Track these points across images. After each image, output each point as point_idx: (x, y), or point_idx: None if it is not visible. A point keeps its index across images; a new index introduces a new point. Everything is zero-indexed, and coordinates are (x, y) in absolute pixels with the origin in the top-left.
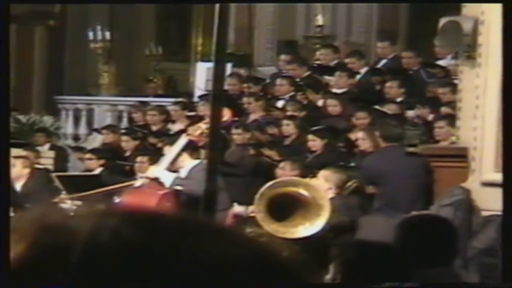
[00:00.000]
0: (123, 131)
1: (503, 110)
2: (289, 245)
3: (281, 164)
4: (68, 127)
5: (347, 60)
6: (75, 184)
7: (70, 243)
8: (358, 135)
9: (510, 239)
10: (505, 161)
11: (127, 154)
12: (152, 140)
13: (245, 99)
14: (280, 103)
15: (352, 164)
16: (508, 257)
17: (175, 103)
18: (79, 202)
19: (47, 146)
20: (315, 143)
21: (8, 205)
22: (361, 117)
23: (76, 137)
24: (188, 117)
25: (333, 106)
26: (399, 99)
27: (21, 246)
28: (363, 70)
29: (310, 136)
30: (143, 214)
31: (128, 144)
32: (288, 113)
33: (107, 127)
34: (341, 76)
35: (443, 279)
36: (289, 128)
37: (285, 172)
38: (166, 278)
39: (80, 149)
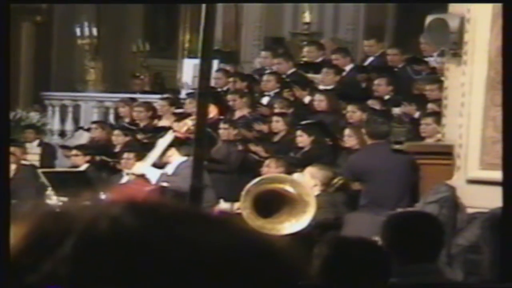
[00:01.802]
0: (114, 126)
1: (503, 110)
2: (284, 238)
3: (267, 162)
4: (55, 123)
5: (332, 57)
6: (61, 180)
7: (70, 229)
8: (344, 132)
9: (510, 239)
10: (505, 161)
11: (116, 150)
12: (138, 136)
13: (230, 96)
14: (265, 100)
15: (338, 161)
16: (508, 257)
17: (163, 99)
18: (65, 198)
19: (35, 142)
20: (302, 139)
21: (8, 205)
22: (351, 111)
23: (62, 134)
24: (175, 113)
25: (320, 101)
26: (386, 97)
27: (22, 231)
28: (348, 67)
29: (298, 132)
30: (144, 204)
31: (118, 139)
32: (276, 110)
33: (96, 122)
34: (328, 73)
35: (427, 275)
36: (278, 124)
37: (271, 169)
38: (166, 267)
39: (66, 147)
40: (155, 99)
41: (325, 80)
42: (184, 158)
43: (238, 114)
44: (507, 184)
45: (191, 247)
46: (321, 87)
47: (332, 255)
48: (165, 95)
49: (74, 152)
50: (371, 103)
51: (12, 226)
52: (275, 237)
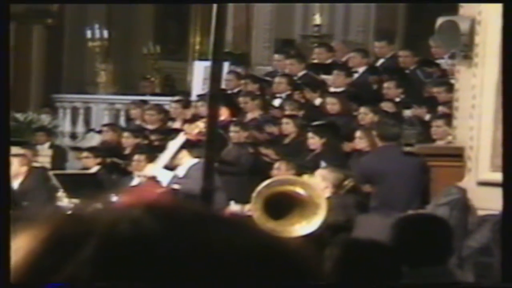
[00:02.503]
0: (124, 129)
1: (503, 110)
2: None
3: (276, 165)
4: (66, 126)
5: (351, 54)
6: (72, 182)
7: (90, 232)
8: (355, 134)
9: (510, 239)
10: (505, 161)
11: (127, 152)
12: (150, 138)
13: (241, 99)
14: (277, 102)
15: (349, 163)
16: (508, 257)
17: (175, 101)
18: (76, 200)
19: (46, 145)
20: (314, 141)
21: (8, 205)
22: (363, 113)
23: (73, 136)
24: (186, 120)
25: (332, 105)
26: (397, 99)
27: (43, 233)
28: (361, 69)
29: (309, 134)
30: (164, 206)
31: (128, 141)
32: (287, 112)
33: (107, 125)
34: (338, 75)
35: (438, 278)
36: (288, 127)
37: (281, 172)
38: (185, 269)
39: (78, 149)
40: (166, 101)
41: (336, 82)
42: (195, 160)
43: (249, 116)
44: (507, 184)
45: (210, 249)
46: (332, 89)
47: (343, 257)
48: (177, 98)
49: (85, 154)
50: (384, 105)
51: (33, 229)
52: (288, 238)
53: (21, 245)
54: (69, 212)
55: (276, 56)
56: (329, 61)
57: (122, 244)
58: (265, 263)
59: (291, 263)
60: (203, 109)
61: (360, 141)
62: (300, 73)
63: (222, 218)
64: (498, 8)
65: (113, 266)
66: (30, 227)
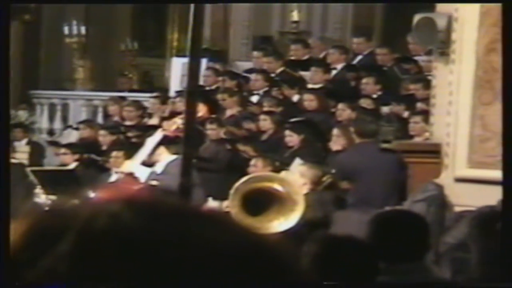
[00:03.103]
0: (102, 125)
1: (503, 110)
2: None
3: (253, 161)
4: (43, 122)
5: (329, 51)
6: (50, 179)
7: (68, 226)
8: (333, 132)
9: (510, 239)
10: (505, 161)
11: (104, 148)
12: (128, 134)
13: (219, 95)
14: (254, 98)
15: (327, 160)
16: (508, 257)
17: (154, 97)
18: (54, 197)
19: (24, 141)
20: (292, 138)
21: (8, 205)
22: (341, 109)
23: (51, 132)
24: (163, 117)
25: (310, 101)
26: (375, 96)
27: (21, 227)
28: (340, 66)
29: (287, 132)
30: (143, 201)
31: (105, 138)
32: (265, 109)
33: (84, 121)
34: (316, 72)
35: (415, 274)
36: (266, 123)
37: (258, 168)
38: (164, 263)
39: (55, 144)
40: (144, 98)
41: (314, 78)
42: (173, 157)
43: (228, 113)
44: (507, 184)
45: (189, 243)
46: (310, 85)
47: (320, 254)
48: (156, 94)
49: (63, 150)
50: (362, 102)
51: (13, 224)
52: (267, 235)
53: None
54: (47, 207)
55: (255, 53)
56: (306, 57)
57: (100, 239)
58: (245, 259)
59: (270, 259)
60: (181, 105)
61: (337, 139)
62: (278, 70)
63: (201, 213)
64: (475, 5)
65: (91, 261)
66: (16, 216)
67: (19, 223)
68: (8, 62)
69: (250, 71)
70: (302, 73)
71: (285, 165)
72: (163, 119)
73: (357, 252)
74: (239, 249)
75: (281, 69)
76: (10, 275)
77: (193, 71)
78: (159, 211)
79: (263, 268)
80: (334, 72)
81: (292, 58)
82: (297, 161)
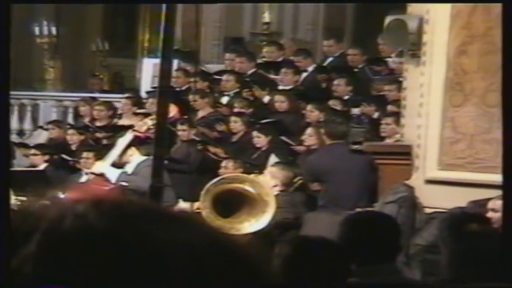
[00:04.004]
0: (69, 125)
1: (503, 110)
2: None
3: (224, 162)
4: (13, 123)
5: (294, 58)
6: (20, 180)
7: (34, 227)
8: (306, 131)
9: (510, 239)
10: (505, 161)
11: (73, 149)
12: (98, 135)
13: (191, 96)
14: (225, 99)
15: (297, 161)
16: (508, 257)
17: (126, 98)
18: (23, 198)
19: None
20: (260, 139)
21: (8, 204)
22: (309, 110)
23: (21, 133)
24: (135, 113)
25: (281, 102)
26: (346, 97)
27: None
28: (310, 68)
29: (254, 133)
30: (109, 202)
31: (73, 138)
32: (236, 110)
33: (53, 122)
34: (287, 73)
35: (386, 275)
36: (237, 125)
37: (228, 170)
38: (130, 264)
39: (24, 145)
40: (115, 99)
41: (284, 80)
42: (144, 158)
43: (200, 114)
44: (507, 184)
45: (156, 244)
46: (280, 87)
47: (291, 255)
48: (128, 95)
49: (33, 151)
50: (332, 103)
51: None
52: (237, 236)
53: None
54: (14, 208)
55: (227, 55)
56: (280, 59)
57: (66, 240)
58: (214, 261)
59: (241, 261)
60: (152, 106)
61: (309, 138)
62: (250, 71)
63: (169, 214)
64: (446, 7)
65: (57, 262)
66: None
67: None
68: (8, 62)
69: (221, 72)
70: (275, 76)
71: (256, 166)
72: (134, 120)
73: (328, 254)
74: (208, 251)
75: (253, 70)
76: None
77: (164, 72)
78: (126, 212)
79: (233, 270)
80: (304, 74)
81: (265, 59)
82: (273, 161)
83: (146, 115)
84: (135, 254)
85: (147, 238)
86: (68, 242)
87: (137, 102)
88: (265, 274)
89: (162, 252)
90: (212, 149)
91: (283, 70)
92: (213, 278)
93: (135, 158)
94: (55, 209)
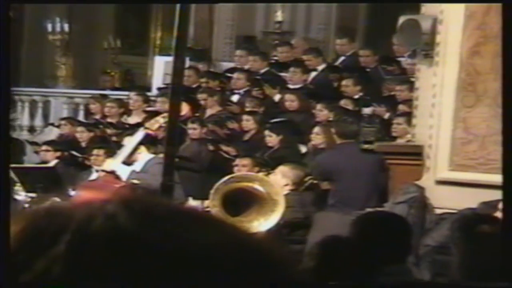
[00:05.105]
0: (80, 122)
1: (503, 110)
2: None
3: (236, 161)
4: (24, 119)
5: (304, 57)
6: (30, 176)
7: (64, 227)
8: (313, 130)
9: (510, 239)
10: (505, 161)
11: (83, 146)
12: (109, 132)
13: (200, 95)
14: (235, 98)
15: (306, 160)
16: (508, 257)
17: (137, 94)
18: (33, 194)
19: None
20: (271, 138)
21: (8, 204)
22: (319, 109)
23: (31, 129)
24: (146, 111)
25: (291, 102)
26: (356, 97)
27: (16, 228)
28: (321, 67)
29: (266, 132)
30: (139, 202)
31: (82, 135)
32: (247, 109)
33: (64, 119)
34: (295, 72)
35: (396, 276)
36: (249, 123)
37: (240, 168)
38: (159, 264)
39: (35, 144)
40: (126, 96)
41: (292, 79)
42: (152, 156)
43: (208, 112)
44: (507, 184)
45: (185, 244)
46: (290, 86)
47: (308, 254)
48: (136, 92)
49: (44, 147)
50: (343, 103)
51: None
52: (259, 234)
53: None
54: (43, 208)
55: (238, 52)
56: (291, 59)
57: (96, 240)
58: (240, 259)
59: (267, 260)
60: (162, 104)
61: (316, 137)
62: (263, 70)
63: (196, 214)
64: (460, 7)
65: (86, 262)
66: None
67: (14, 223)
68: (9, 62)
69: (232, 70)
70: (285, 74)
71: (267, 165)
72: (145, 118)
73: (337, 254)
74: (234, 250)
75: (266, 69)
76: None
77: (177, 70)
78: (155, 212)
79: (259, 267)
80: (314, 73)
81: (277, 59)
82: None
83: (156, 113)
84: (163, 254)
85: (175, 238)
86: (98, 242)
87: (148, 100)
88: (288, 271)
89: (190, 253)
90: (223, 147)
91: (291, 69)
92: (239, 277)
93: (144, 156)
94: (84, 209)
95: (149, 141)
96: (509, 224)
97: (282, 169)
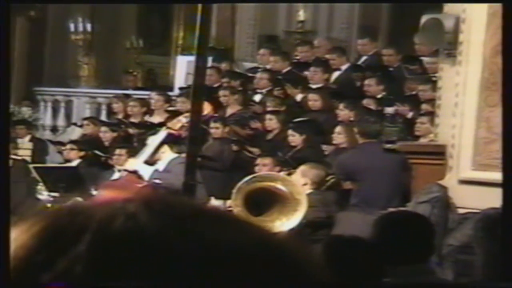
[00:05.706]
0: (103, 122)
1: (503, 110)
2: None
3: (259, 160)
4: (47, 119)
5: (328, 56)
6: (52, 176)
7: (85, 226)
8: (335, 130)
9: (510, 239)
10: (505, 161)
11: (106, 145)
12: (131, 132)
13: (221, 93)
14: (257, 97)
15: (328, 159)
16: (508, 257)
17: (159, 94)
18: (56, 194)
19: (27, 138)
20: (294, 138)
21: (8, 203)
22: (341, 109)
23: (54, 129)
24: (168, 110)
25: (314, 101)
26: (379, 96)
27: (37, 228)
28: (344, 67)
29: (289, 131)
30: (160, 201)
31: (106, 135)
32: (269, 108)
33: (87, 118)
34: (316, 72)
35: (419, 276)
36: (272, 122)
37: (263, 167)
38: (181, 264)
39: (59, 143)
40: (148, 96)
41: (313, 78)
42: (175, 155)
43: (229, 111)
44: (507, 184)
45: (207, 244)
46: (311, 85)
47: (323, 254)
48: (157, 91)
49: (68, 146)
50: (366, 102)
51: (27, 223)
52: (283, 234)
53: (12, 239)
54: (63, 208)
55: (261, 50)
56: (312, 58)
57: (117, 239)
58: (263, 259)
59: (290, 259)
60: (183, 104)
61: (338, 136)
62: (284, 70)
63: (218, 213)
64: (483, 6)
65: (108, 262)
66: (22, 220)
67: (35, 223)
68: (9, 62)
69: (254, 69)
70: (307, 73)
71: (290, 164)
72: (167, 117)
73: (360, 254)
74: (257, 249)
75: (288, 69)
76: (10, 276)
77: (200, 70)
78: (176, 211)
79: (281, 267)
80: (337, 72)
81: (298, 58)
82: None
83: (178, 112)
84: (185, 254)
85: (197, 238)
86: (119, 242)
87: (170, 99)
88: (310, 271)
89: (212, 251)
90: (247, 146)
91: (312, 68)
92: (261, 277)
93: (167, 155)
94: (105, 209)
95: (172, 141)
96: (510, 224)
97: (301, 168)
